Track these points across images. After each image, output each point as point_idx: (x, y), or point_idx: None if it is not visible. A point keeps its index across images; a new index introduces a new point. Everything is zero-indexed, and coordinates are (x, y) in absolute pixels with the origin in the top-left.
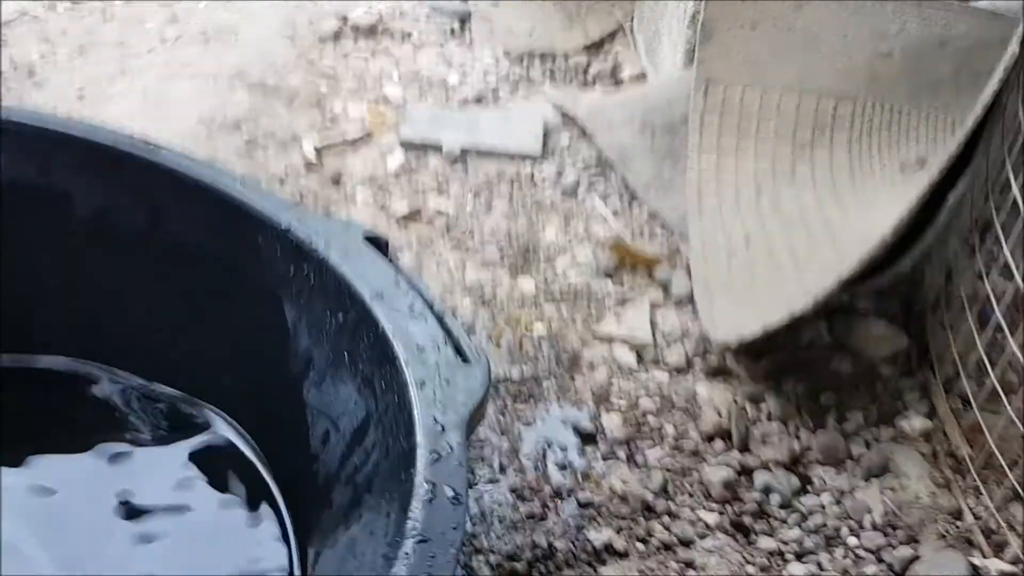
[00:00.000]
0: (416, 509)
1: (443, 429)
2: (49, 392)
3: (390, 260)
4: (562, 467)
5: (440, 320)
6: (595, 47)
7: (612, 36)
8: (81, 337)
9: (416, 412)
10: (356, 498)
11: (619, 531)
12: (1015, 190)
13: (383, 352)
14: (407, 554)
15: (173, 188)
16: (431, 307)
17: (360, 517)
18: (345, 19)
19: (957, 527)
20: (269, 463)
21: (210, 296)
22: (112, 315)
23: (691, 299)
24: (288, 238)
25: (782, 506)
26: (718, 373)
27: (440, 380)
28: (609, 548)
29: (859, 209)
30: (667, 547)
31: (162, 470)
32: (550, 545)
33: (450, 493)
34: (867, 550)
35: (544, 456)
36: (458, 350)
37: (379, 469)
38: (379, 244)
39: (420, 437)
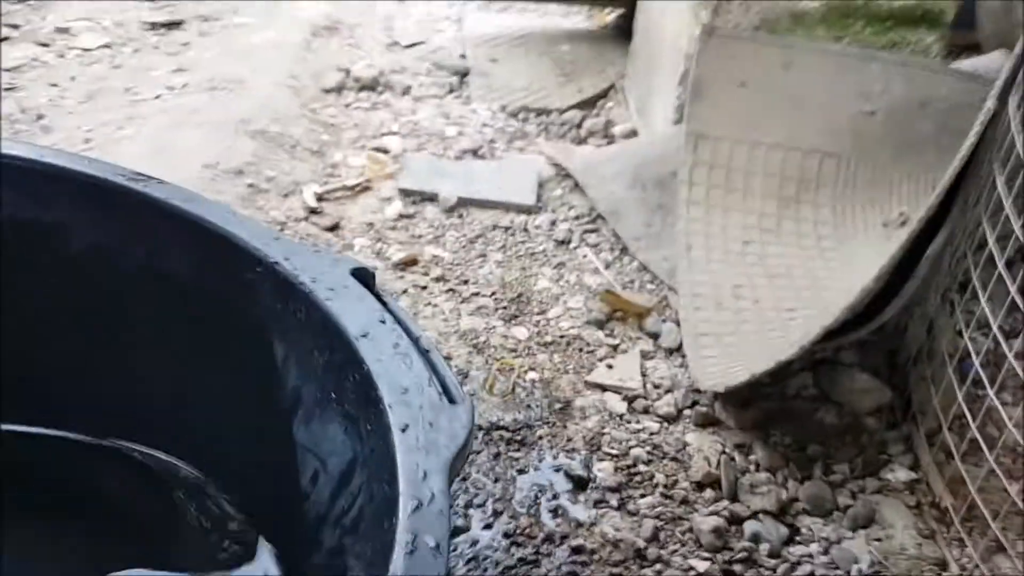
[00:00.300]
0: (397, 559)
1: (425, 475)
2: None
3: (376, 295)
4: (555, 513)
5: (425, 357)
6: (588, 104)
7: (605, 93)
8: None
9: (399, 458)
10: (342, 542)
11: None
12: (991, 246)
13: (367, 394)
14: None
15: (164, 220)
16: (416, 344)
17: (346, 563)
18: (347, 72)
19: None
20: (259, 502)
21: (203, 332)
22: (103, 358)
23: (681, 349)
24: (276, 272)
25: (771, 555)
26: (707, 423)
27: (423, 423)
28: None
29: (843, 264)
30: None
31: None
32: None
33: (431, 543)
34: None
35: (537, 502)
36: (444, 389)
37: (364, 514)
38: (366, 278)
39: (403, 484)
